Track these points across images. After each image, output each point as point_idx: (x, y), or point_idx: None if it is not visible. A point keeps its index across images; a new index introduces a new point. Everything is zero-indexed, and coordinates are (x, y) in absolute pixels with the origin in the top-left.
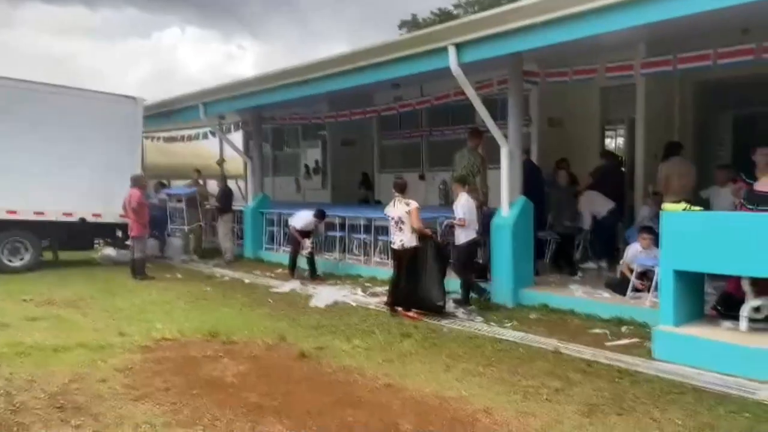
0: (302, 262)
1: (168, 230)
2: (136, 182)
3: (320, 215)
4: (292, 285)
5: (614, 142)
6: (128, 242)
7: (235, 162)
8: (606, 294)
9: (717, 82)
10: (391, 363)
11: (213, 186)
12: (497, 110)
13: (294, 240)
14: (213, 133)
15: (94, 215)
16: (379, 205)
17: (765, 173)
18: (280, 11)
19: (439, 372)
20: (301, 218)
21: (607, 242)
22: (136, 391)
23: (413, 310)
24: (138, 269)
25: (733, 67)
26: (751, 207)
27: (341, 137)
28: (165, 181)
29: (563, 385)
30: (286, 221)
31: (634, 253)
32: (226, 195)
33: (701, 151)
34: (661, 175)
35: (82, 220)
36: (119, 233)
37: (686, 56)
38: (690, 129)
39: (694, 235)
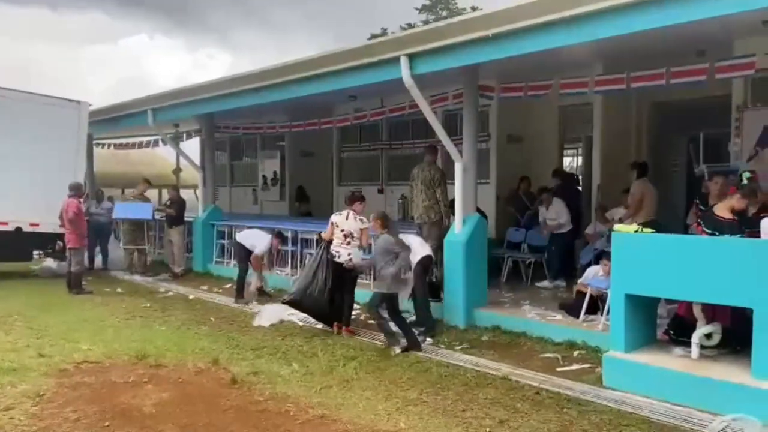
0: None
1: (119, 243)
2: (74, 191)
3: (280, 237)
4: (239, 302)
5: (575, 160)
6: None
7: (192, 171)
8: (559, 316)
9: (673, 104)
10: (329, 390)
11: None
12: (456, 125)
13: (244, 258)
14: (164, 142)
15: (31, 224)
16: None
17: (718, 200)
18: (250, 23)
19: (379, 401)
20: (263, 242)
21: (563, 261)
22: (41, 423)
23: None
24: (74, 283)
25: (686, 87)
26: (710, 232)
27: (300, 148)
28: (102, 191)
29: (508, 415)
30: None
31: (594, 275)
32: (179, 205)
33: (656, 172)
34: (636, 194)
35: (18, 230)
36: (60, 244)
37: (640, 75)
38: (645, 149)
39: (646, 258)
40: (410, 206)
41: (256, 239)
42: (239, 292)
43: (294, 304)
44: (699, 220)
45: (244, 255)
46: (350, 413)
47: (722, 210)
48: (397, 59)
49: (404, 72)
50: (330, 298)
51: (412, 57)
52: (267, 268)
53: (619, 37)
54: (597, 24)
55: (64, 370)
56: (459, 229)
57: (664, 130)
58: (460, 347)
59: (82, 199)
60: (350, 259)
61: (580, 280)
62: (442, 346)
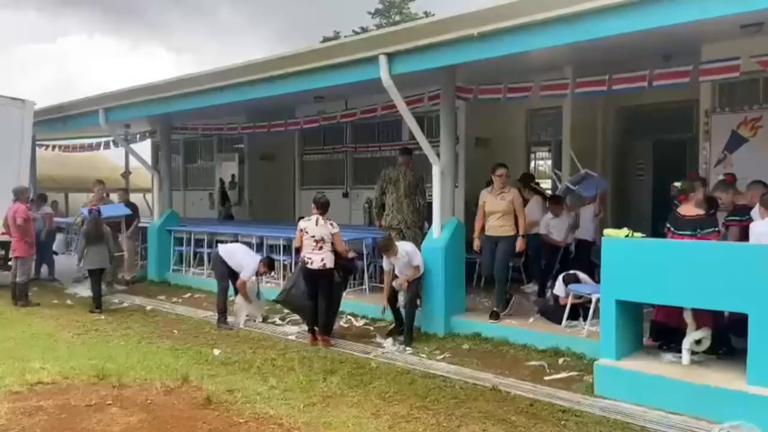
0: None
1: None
2: (21, 196)
3: (269, 264)
4: (203, 313)
5: (535, 163)
6: (10, 263)
7: (142, 174)
8: (541, 322)
9: (637, 108)
10: (313, 408)
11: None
12: (424, 127)
13: (226, 275)
14: (116, 143)
15: None
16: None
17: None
18: (193, 21)
19: (368, 418)
20: (250, 264)
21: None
22: None
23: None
24: (20, 294)
25: (668, 88)
26: (680, 233)
27: (260, 151)
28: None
29: (507, 430)
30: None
31: (560, 286)
32: (131, 209)
33: (622, 174)
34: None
35: None
36: (1, 252)
37: (621, 77)
38: (611, 153)
39: (638, 263)
40: (388, 211)
41: (242, 259)
42: (222, 314)
43: (282, 303)
44: (668, 226)
45: (226, 272)
46: None
47: (686, 209)
48: (375, 58)
49: (383, 71)
50: (314, 304)
51: (391, 56)
52: (249, 298)
53: (591, 40)
54: (586, 24)
55: (17, 393)
56: (437, 234)
57: (629, 134)
58: (441, 356)
59: (28, 205)
60: (324, 265)
61: (554, 291)
62: (423, 355)
